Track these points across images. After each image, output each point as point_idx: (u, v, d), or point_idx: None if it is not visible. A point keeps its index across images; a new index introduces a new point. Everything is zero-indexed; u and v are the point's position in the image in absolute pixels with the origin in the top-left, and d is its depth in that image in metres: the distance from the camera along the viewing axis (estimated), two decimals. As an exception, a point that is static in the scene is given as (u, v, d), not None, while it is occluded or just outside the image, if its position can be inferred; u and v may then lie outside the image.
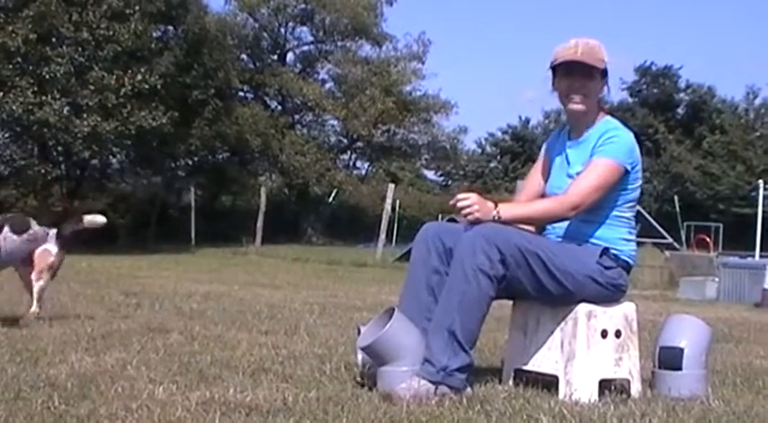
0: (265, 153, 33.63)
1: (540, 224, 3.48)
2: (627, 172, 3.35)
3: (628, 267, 3.42)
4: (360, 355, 3.73)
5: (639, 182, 3.45)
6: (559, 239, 3.41)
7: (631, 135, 3.42)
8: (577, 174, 3.39)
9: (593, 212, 3.35)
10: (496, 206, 3.27)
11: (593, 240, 3.36)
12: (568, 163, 3.48)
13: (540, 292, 3.27)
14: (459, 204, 3.24)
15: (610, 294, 3.35)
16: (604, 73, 3.44)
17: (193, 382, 3.19)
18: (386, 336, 3.18)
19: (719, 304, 10.20)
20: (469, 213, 3.22)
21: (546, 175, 3.62)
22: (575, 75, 3.40)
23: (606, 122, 3.45)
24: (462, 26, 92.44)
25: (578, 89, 3.42)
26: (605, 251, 3.32)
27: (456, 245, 3.23)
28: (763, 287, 10.27)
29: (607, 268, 3.31)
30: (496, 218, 3.24)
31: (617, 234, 3.39)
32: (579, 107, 3.43)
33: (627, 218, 3.43)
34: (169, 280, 9.98)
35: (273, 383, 3.25)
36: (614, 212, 3.39)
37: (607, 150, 3.33)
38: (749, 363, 4.50)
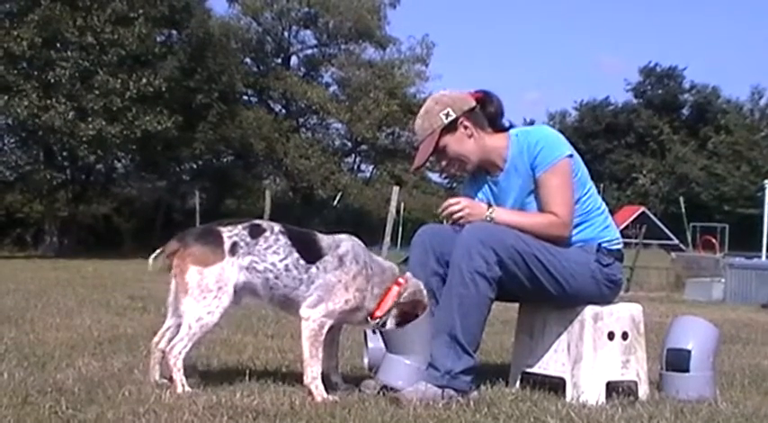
0: (270, 157, 33.70)
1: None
2: (571, 156, 3.28)
3: (621, 256, 3.40)
4: (366, 359, 3.74)
5: (580, 162, 3.36)
6: None
7: (543, 128, 3.36)
8: (528, 196, 3.30)
9: None
10: (490, 207, 3.27)
11: (579, 243, 3.31)
12: (495, 196, 3.38)
13: (542, 294, 3.25)
14: (451, 209, 3.24)
15: (609, 292, 3.33)
16: (452, 123, 3.27)
17: (200, 387, 3.19)
18: (413, 327, 3.18)
19: (726, 305, 10.18)
20: (461, 217, 3.23)
21: None
22: (437, 159, 3.36)
23: (516, 139, 3.33)
24: (465, 28, 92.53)
25: (450, 164, 3.38)
26: (599, 247, 3.31)
27: (453, 247, 3.21)
28: (770, 288, 10.26)
29: (605, 265, 3.29)
30: (489, 218, 3.23)
31: (597, 227, 3.35)
32: (470, 168, 3.38)
33: (594, 205, 3.36)
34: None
35: (280, 387, 3.24)
36: (582, 208, 3.32)
37: (544, 159, 3.24)
38: (757, 364, 4.49)
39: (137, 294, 7.96)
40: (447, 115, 3.28)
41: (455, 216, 3.25)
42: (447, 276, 3.22)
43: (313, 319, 3.15)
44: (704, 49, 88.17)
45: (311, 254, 3.17)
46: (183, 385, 3.09)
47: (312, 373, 3.12)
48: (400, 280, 3.23)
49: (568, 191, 3.26)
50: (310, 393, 3.09)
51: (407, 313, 3.21)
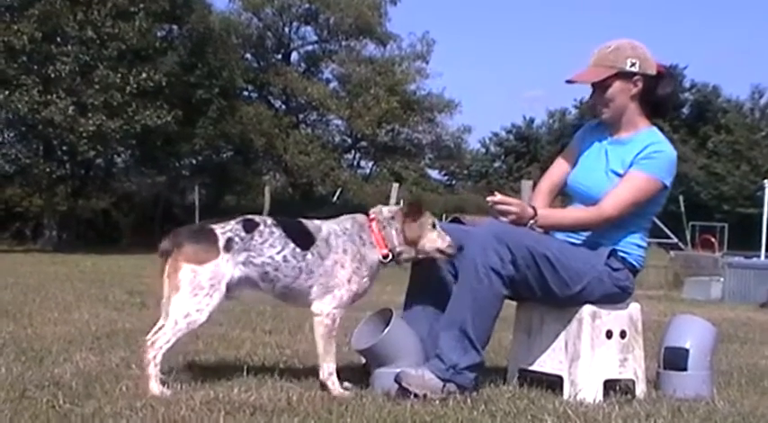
0: (269, 152, 33.63)
1: (572, 232, 3.42)
2: (665, 187, 3.34)
3: (634, 270, 3.41)
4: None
5: (665, 196, 3.42)
6: (570, 238, 3.39)
7: (674, 152, 3.40)
8: (614, 172, 3.35)
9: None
10: (536, 214, 3.24)
11: (603, 241, 3.34)
12: (607, 159, 3.43)
13: (547, 294, 3.26)
14: (505, 208, 3.20)
15: (616, 296, 3.34)
16: (631, 74, 3.35)
17: (198, 382, 3.19)
18: (386, 339, 3.18)
19: (724, 304, 10.18)
20: (506, 216, 3.20)
21: (572, 164, 3.56)
22: (593, 87, 3.42)
23: (652, 134, 3.40)
24: (466, 25, 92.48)
25: (597, 100, 3.42)
26: (613, 252, 3.32)
27: (462, 244, 3.22)
28: (768, 287, 10.26)
29: (615, 270, 3.30)
30: (531, 226, 3.22)
31: (630, 238, 3.38)
32: (604, 116, 3.44)
33: (644, 227, 3.44)
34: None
35: (278, 383, 3.24)
36: (636, 220, 3.37)
37: (649, 165, 3.30)
38: (754, 363, 4.49)
39: (135, 289, 7.95)
40: (633, 65, 3.35)
41: (509, 217, 3.20)
42: (452, 273, 3.28)
43: (326, 313, 3.18)
44: (704, 48, 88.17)
45: (305, 240, 3.19)
46: (157, 382, 3.02)
47: (328, 368, 3.16)
48: (371, 215, 3.29)
49: (631, 197, 3.29)
50: (326, 388, 3.11)
51: (414, 237, 3.25)
